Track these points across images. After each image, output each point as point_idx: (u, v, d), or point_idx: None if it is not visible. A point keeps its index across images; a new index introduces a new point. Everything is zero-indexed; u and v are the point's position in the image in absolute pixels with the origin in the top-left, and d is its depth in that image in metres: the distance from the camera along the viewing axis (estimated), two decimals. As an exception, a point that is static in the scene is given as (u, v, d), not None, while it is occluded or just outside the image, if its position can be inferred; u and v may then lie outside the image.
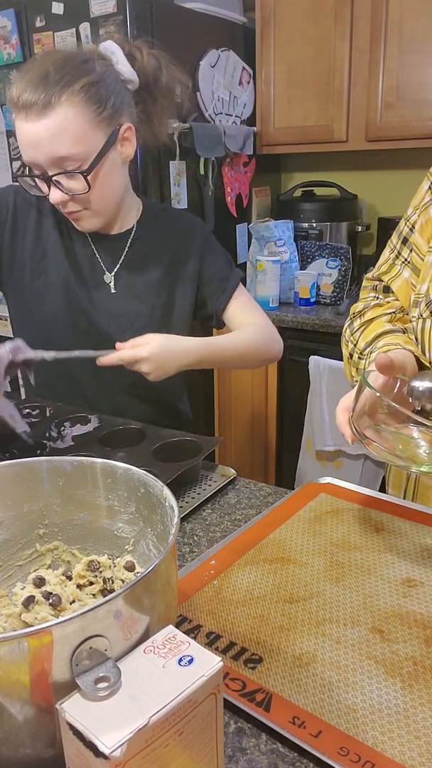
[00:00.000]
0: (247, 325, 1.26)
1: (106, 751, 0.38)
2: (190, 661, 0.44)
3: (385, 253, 1.04)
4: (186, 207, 2.23)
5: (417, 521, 0.83)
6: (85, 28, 2.00)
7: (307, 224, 2.53)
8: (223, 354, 1.21)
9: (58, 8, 2.04)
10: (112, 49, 1.10)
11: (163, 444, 1.01)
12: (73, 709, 0.41)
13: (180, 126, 2.09)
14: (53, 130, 1.01)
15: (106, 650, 0.44)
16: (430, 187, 0.99)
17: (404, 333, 0.94)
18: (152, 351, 1.05)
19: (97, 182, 1.09)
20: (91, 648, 0.43)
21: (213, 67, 2.24)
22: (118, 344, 1.06)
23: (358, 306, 1.05)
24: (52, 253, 1.22)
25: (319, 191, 2.65)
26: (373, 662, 0.60)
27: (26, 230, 1.23)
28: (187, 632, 0.63)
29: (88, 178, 1.06)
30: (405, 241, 1.00)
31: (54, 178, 1.06)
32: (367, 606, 0.68)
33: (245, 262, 2.55)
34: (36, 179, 1.08)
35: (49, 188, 1.08)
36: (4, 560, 0.66)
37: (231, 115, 2.39)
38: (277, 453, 2.44)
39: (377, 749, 0.51)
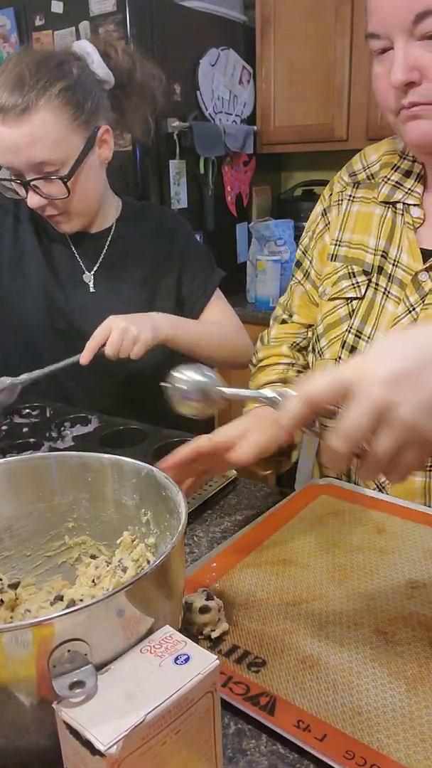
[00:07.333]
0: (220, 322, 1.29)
1: (102, 749, 0.38)
2: (186, 660, 0.44)
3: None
4: (186, 206, 2.23)
5: (418, 522, 0.82)
6: (84, 26, 2.00)
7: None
8: (192, 330, 1.21)
9: (57, 7, 2.04)
10: (87, 49, 1.09)
11: (164, 444, 1.00)
12: (70, 708, 0.41)
13: (180, 125, 2.09)
14: (31, 136, 1.01)
15: (86, 654, 0.44)
16: (323, 212, 1.03)
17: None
18: (113, 319, 1.05)
19: (77, 187, 1.08)
20: (69, 651, 0.43)
21: (213, 65, 2.24)
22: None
23: (265, 337, 1.06)
24: (31, 253, 1.21)
25: (319, 190, 2.64)
26: (378, 664, 0.60)
27: (3, 230, 1.22)
28: (188, 635, 0.63)
29: (68, 183, 1.05)
30: (299, 264, 1.04)
31: (32, 182, 1.05)
32: (371, 608, 0.67)
33: (245, 262, 2.54)
34: (13, 182, 1.08)
35: (27, 192, 1.07)
36: (33, 550, 0.68)
37: (231, 114, 2.39)
38: (278, 452, 2.44)
39: (383, 752, 0.51)
